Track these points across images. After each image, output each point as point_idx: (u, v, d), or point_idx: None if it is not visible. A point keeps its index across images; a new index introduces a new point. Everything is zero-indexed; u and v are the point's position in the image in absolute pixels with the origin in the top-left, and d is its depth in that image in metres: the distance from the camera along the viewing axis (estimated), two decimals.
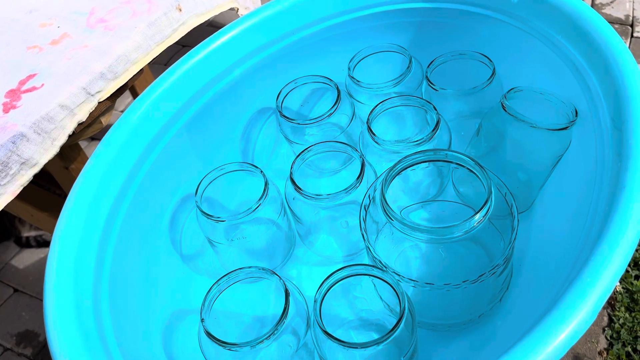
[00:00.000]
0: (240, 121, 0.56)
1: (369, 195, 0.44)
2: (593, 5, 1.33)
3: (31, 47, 0.52)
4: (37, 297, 1.05)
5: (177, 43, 1.23)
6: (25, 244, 1.11)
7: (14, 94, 0.47)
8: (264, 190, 0.45)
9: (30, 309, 1.04)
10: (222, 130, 0.55)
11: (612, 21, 1.28)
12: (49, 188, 0.83)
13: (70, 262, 0.38)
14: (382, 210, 0.39)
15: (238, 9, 0.62)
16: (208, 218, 0.44)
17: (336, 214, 0.50)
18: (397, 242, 0.45)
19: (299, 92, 0.55)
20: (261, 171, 0.47)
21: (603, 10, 1.32)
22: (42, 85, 0.48)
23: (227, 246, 0.47)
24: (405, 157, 0.41)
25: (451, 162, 0.41)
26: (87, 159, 0.65)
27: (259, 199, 0.44)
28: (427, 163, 0.42)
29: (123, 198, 0.44)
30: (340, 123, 0.55)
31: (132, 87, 1.05)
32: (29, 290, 1.06)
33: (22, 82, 0.48)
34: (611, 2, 1.34)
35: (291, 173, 0.46)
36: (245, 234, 0.47)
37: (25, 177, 0.45)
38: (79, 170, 0.63)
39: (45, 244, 1.11)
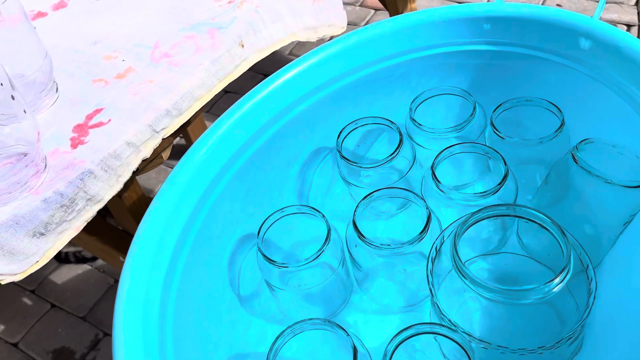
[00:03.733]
0: (297, 161, 0.56)
1: (435, 247, 0.43)
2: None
3: (97, 81, 0.53)
4: (73, 314, 1.06)
5: None
6: (65, 259, 1.12)
7: (81, 129, 0.48)
8: (327, 237, 0.44)
9: (67, 325, 1.05)
10: (279, 170, 0.54)
11: None
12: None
13: (139, 305, 0.37)
14: (455, 268, 0.38)
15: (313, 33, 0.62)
16: (270, 263, 0.43)
17: (394, 261, 0.49)
18: (458, 293, 0.44)
19: (356, 132, 0.55)
20: (323, 215, 0.46)
21: None
22: (109, 120, 0.48)
23: (285, 290, 0.47)
24: (478, 212, 0.40)
25: (527, 218, 0.40)
26: (139, 187, 0.65)
27: (322, 246, 0.44)
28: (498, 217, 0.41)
29: (186, 238, 0.44)
30: (398, 166, 0.54)
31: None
32: (67, 306, 1.07)
33: (89, 117, 0.49)
34: None
35: (354, 220, 0.45)
36: (303, 279, 0.46)
37: (89, 213, 0.45)
38: (132, 198, 0.64)
39: (84, 260, 1.12)
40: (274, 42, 0.58)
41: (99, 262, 1.13)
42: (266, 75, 1.55)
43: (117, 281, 1.10)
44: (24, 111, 0.41)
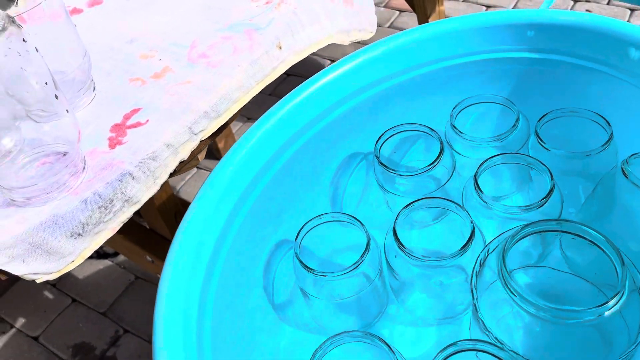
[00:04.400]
0: (332, 166, 0.55)
1: (480, 261, 0.42)
2: None
3: (133, 80, 0.52)
4: (94, 309, 1.06)
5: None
6: None
7: (119, 129, 0.47)
8: (367, 247, 0.43)
9: (88, 320, 1.05)
10: (314, 175, 0.54)
11: None
12: None
13: (179, 313, 0.37)
14: (504, 284, 0.37)
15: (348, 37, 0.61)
16: (308, 271, 0.43)
17: (430, 272, 0.48)
18: (498, 307, 0.43)
19: (394, 138, 0.54)
20: (362, 224, 0.45)
21: None
22: (147, 121, 0.47)
23: (320, 299, 0.46)
24: (527, 226, 0.39)
25: (578, 235, 0.38)
26: (169, 186, 0.65)
27: (362, 255, 0.43)
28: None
29: (222, 245, 0.43)
30: (435, 174, 0.53)
31: None
32: (87, 301, 1.08)
33: (127, 117, 0.48)
34: None
35: (395, 229, 0.44)
36: (339, 288, 0.45)
37: (126, 215, 0.45)
38: (161, 197, 0.63)
39: (105, 255, 1.13)
40: (311, 44, 0.58)
41: (120, 257, 1.13)
42: (291, 75, 1.53)
43: (137, 278, 1.10)
44: (67, 110, 0.40)
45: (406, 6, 1.55)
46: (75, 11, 0.64)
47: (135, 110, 0.49)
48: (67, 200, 0.42)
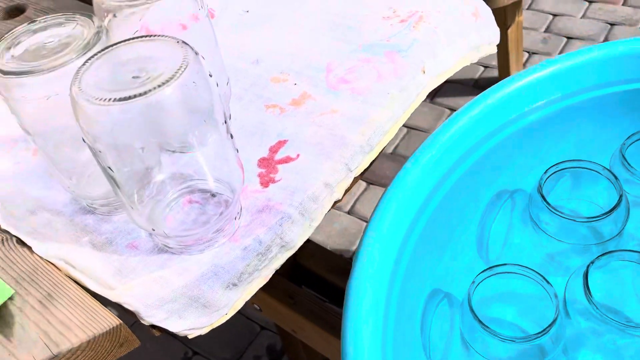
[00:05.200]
0: (479, 206, 0.50)
1: None
2: None
3: (270, 106, 0.48)
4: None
5: None
6: None
7: (268, 164, 0.43)
8: (554, 320, 0.38)
9: (153, 340, 1.01)
10: (461, 217, 0.49)
11: None
12: None
13: None
14: None
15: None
16: (489, 333, 0.38)
17: (601, 328, 0.42)
18: None
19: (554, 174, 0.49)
20: (544, 278, 0.40)
21: None
22: (298, 156, 0.43)
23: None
24: None
25: None
26: None
27: (552, 323, 0.38)
28: None
29: (390, 299, 0.39)
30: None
31: None
32: None
33: (273, 150, 0.44)
34: None
35: (588, 287, 0.39)
36: (516, 354, 0.40)
37: (279, 261, 0.40)
38: None
39: None
40: (449, 67, 0.53)
41: None
42: None
43: None
44: (237, 150, 0.36)
45: None
46: (185, 28, 0.60)
47: (281, 143, 0.44)
48: (226, 247, 0.38)
